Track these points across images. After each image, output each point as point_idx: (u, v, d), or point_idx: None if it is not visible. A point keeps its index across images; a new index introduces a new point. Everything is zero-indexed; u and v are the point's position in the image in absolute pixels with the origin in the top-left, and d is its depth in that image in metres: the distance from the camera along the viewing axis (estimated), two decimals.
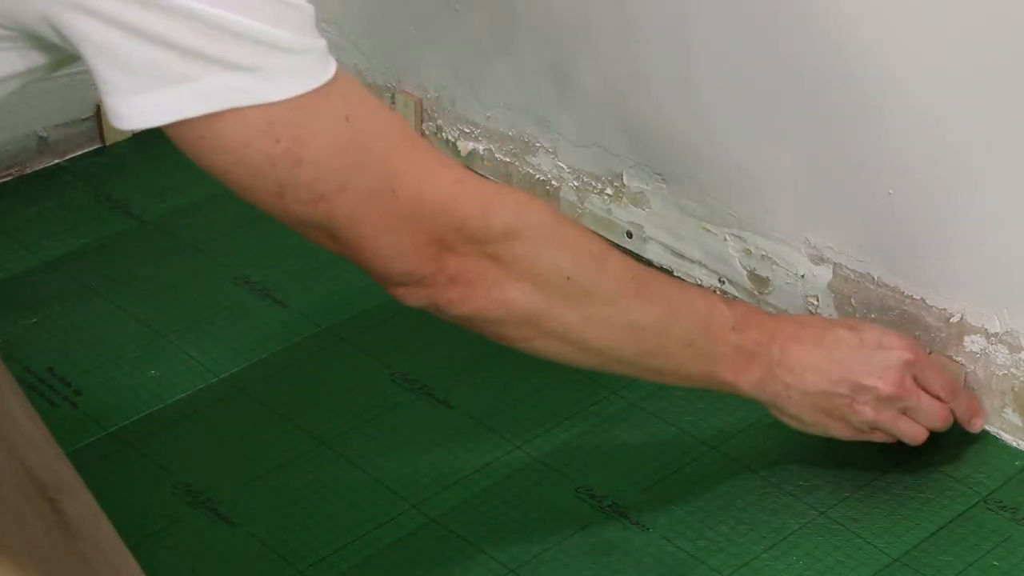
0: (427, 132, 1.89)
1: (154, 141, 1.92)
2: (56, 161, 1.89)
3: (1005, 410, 1.44)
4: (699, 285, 1.38)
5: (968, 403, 1.39)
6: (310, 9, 1.04)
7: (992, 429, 1.46)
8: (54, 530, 1.26)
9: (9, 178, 1.86)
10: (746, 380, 1.29)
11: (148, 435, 1.44)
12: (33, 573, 1.17)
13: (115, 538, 1.28)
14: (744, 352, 1.27)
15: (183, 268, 1.69)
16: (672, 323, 1.23)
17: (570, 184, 1.75)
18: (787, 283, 1.58)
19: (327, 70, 1.05)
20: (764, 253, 1.59)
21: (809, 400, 1.31)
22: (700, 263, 1.65)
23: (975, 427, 1.40)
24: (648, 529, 1.34)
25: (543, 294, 1.15)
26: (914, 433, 1.34)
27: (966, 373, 1.45)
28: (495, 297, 1.13)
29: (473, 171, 1.18)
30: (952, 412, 1.37)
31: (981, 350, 1.44)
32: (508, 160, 1.81)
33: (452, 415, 1.47)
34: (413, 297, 1.13)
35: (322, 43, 1.05)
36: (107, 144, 1.91)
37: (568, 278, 1.16)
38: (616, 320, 1.20)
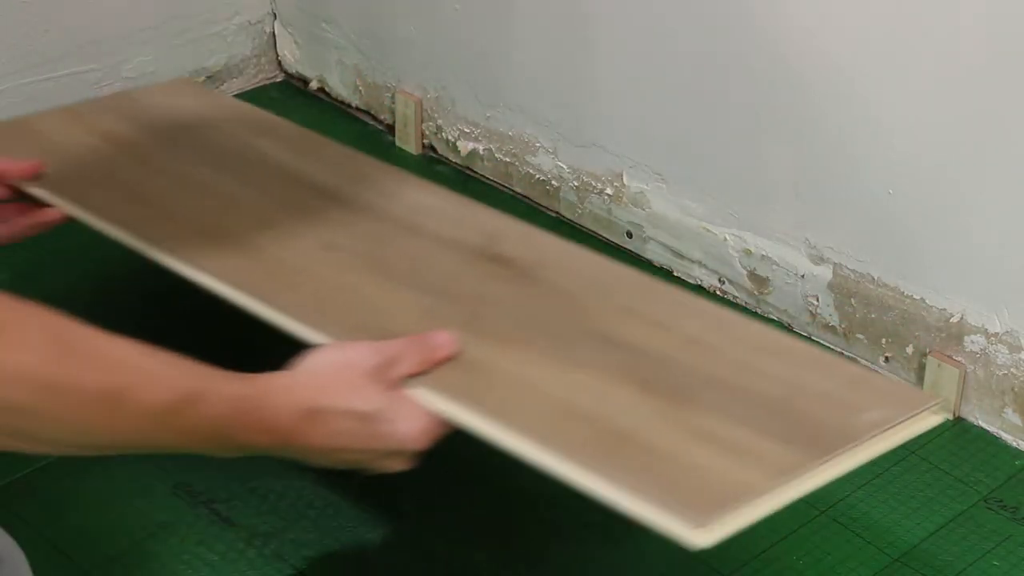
0: (427, 132, 1.89)
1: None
2: None
3: (1005, 410, 1.44)
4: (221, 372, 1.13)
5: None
6: None
7: (992, 429, 1.46)
8: (512, 282, 1.34)
9: None
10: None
11: None
12: (530, 337, 1.27)
13: (554, 241, 1.41)
14: (250, 449, 1.11)
15: None
16: (162, 446, 1.08)
17: (570, 184, 1.75)
18: (787, 283, 1.58)
19: None
20: (764, 253, 1.59)
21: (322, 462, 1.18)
22: (700, 263, 1.65)
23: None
24: (647, 529, 1.34)
25: (10, 437, 0.99)
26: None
27: (966, 373, 1.46)
28: None
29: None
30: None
31: (981, 350, 1.44)
32: (508, 160, 1.81)
33: None
34: None
35: None
36: None
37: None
38: (104, 449, 1.05)
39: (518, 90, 1.77)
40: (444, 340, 1.20)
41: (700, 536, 1.07)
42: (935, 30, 1.37)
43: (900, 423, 1.16)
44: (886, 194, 1.47)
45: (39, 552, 1.29)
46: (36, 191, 1.49)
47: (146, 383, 1.04)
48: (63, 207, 1.48)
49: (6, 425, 0.98)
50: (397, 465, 1.18)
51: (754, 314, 1.61)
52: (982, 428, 1.46)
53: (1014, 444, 1.44)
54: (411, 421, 1.16)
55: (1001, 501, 1.37)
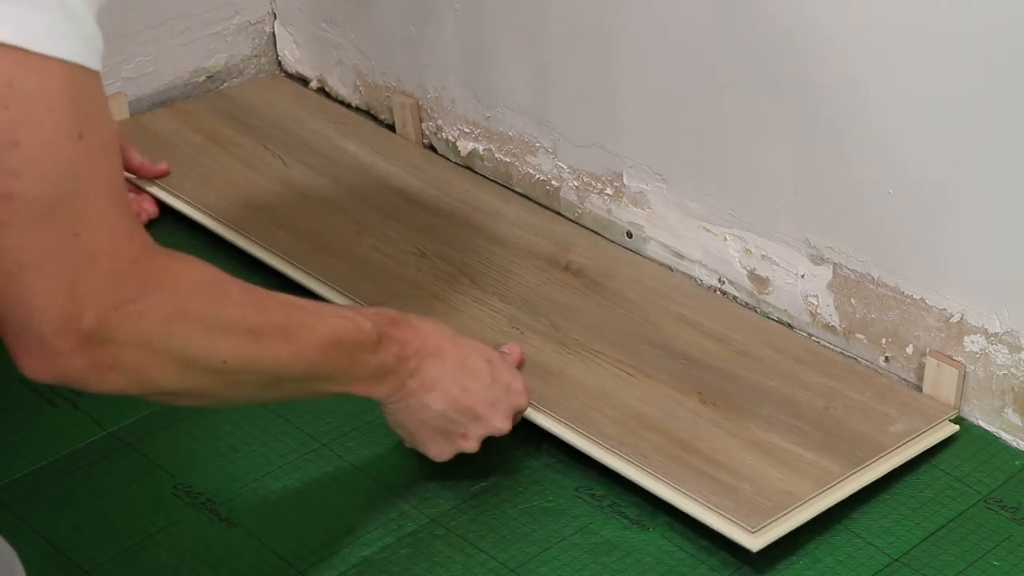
0: (427, 132, 1.89)
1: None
2: None
3: (1005, 410, 1.44)
4: (351, 305, 1.36)
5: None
6: None
7: (992, 429, 1.46)
8: (584, 292, 1.56)
9: None
10: (376, 392, 1.27)
11: (148, 435, 1.44)
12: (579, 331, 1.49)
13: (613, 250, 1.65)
14: (381, 370, 1.25)
15: None
16: (318, 367, 1.19)
17: (570, 184, 1.75)
18: (787, 283, 1.58)
19: (92, 61, 0.95)
20: (764, 253, 1.59)
21: (424, 414, 1.30)
22: (700, 263, 1.65)
23: None
24: (648, 529, 1.34)
25: (193, 375, 1.08)
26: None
27: (966, 373, 1.45)
28: (136, 380, 1.04)
29: (158, 244, 1.05)
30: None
31: (981, 350, 1.44)
32: (508, 160, 1.81)
33: None
34: (40, 368, 1.00)
35: (97, 35, 0.96)
36: None
37: (224, 361, 1.09)
38: (263, 381, 1.15)
39: (518, 90, 1.77)
40: (513, 351, 1.42)
41: (755, 540, 1.26)
42: (936, 30, 1.37)
43: (922, 433, 1.39)
44: (886, 194, 1.47)
45: (39, 552, 1.29)
46: (156, 191, 1.69)
47: (314, 317, 1.18)
48: (180, 207, 1.68)
49: (237, 376, 1.11)
50: (503, 421, 1.33)
51: (754, 314, 1.61)
52: (982, 428, 1.46)
53: (1014, 444, 1.44)
54: (520, 378, 1.35)
55: (1001, 501, 1.37)
